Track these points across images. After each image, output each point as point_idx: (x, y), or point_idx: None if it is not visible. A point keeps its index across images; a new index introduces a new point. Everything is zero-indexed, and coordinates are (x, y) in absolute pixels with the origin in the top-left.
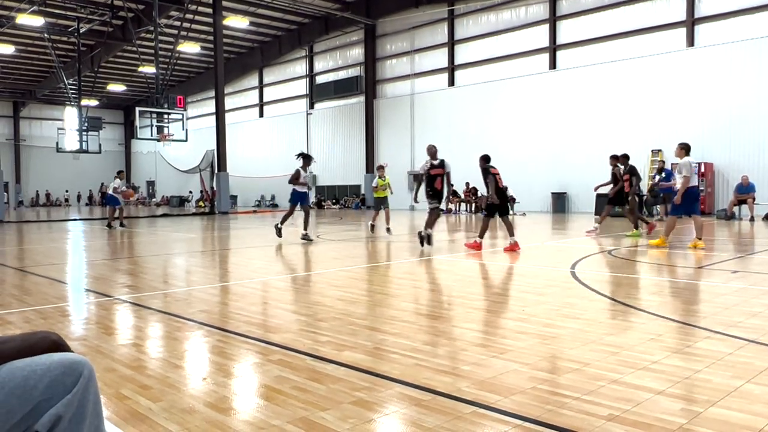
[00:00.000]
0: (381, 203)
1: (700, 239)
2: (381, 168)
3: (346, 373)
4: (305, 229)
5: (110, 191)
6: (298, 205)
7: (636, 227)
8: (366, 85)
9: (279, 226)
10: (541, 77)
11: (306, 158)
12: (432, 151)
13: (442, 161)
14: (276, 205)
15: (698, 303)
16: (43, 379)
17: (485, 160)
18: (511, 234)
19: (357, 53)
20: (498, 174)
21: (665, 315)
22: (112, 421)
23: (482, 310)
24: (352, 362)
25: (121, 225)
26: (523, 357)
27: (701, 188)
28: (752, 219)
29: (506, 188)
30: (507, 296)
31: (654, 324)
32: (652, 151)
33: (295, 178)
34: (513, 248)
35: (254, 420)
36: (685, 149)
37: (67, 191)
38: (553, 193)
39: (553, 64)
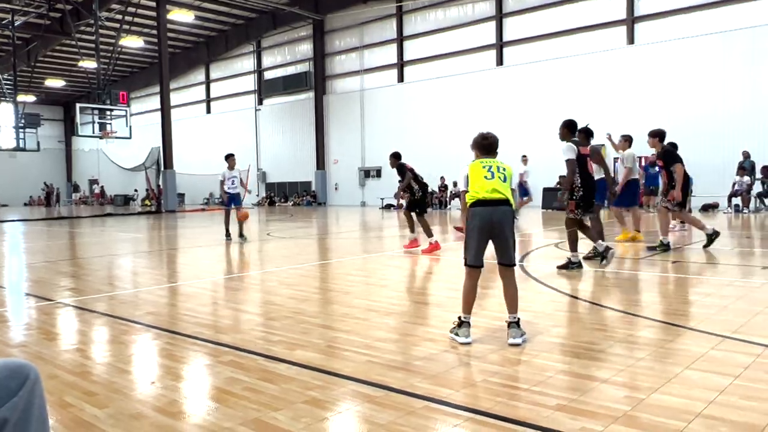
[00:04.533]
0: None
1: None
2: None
3: (299, 372)
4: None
5: (226, 187)
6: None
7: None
8: (315, 81)
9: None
10: (489, 73)
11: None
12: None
13: None
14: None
15: (640, 293)
16: None
17: (397, 157)
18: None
19: (306, 49)
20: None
21: (610, 306)
22: (57, 430)
23: (432, 305)
24: (305, 361)
25: (229, 236)
26: (474, 350)
27: (642, 182)
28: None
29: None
30: (457, 290)
31: (599, 314)
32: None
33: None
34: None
35: (205, 423)
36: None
37: None
38: None
39: (500, 61)
